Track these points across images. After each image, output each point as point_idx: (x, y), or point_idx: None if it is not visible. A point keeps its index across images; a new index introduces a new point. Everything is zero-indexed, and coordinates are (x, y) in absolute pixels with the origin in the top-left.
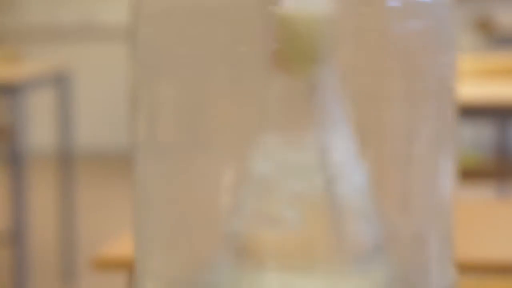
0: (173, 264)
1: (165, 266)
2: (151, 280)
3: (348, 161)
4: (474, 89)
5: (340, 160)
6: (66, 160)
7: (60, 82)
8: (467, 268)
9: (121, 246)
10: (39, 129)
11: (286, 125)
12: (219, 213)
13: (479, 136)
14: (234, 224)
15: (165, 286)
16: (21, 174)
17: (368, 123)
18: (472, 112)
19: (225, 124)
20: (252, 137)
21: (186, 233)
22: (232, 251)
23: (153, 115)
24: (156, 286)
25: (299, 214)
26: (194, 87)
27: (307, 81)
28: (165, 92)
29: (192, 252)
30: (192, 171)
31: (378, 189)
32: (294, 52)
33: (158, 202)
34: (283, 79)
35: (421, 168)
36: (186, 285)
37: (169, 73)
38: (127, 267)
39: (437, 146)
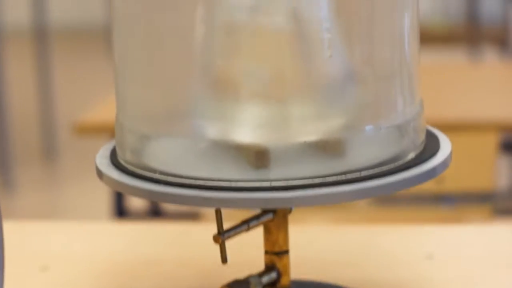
0: (151, 98)
1: (144, 101)
2: (131, 115)
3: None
4: None
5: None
6: (42, 36)
7: None
8: (440, 127)
9: (100, 112)
10: (13, 5)
11: None
12: (193, 44)
13: (449, 3)
14: (207, 56)
15: (144, 120)
16: None
17: None
18: None
19: None
20: None
21: (161, 66)
22: (207, 82)
23: None
24: (135, 120)
25: (268, 45)
26: None
27: None
28: None
29: (169, 85)
30: (165, 4)
31: (342, 19)
32: None
33: (134, 39)
34: None
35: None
36: (163, 117)
37: None
38: (108, 131)
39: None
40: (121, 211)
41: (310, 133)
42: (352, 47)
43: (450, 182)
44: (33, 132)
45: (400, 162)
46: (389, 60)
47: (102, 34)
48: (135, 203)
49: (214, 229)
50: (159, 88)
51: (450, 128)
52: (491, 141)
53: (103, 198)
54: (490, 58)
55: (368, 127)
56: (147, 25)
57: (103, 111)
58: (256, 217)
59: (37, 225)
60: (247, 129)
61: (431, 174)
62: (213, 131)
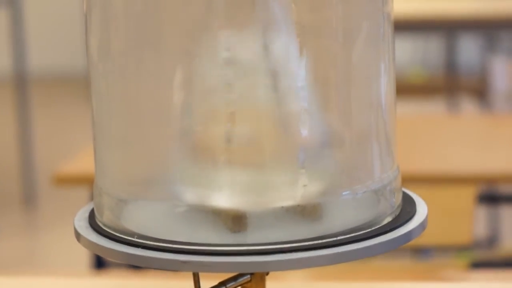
0: (129, 162)
1: (122, 165)
2: (109, 179)
3: (290, 59)
4: (421, 3)
5: (282, 57)
6: (22, 83)
7: (12, 3)
8: (418, 180)
9: (80, 162)
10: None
11: (230, 23)
12: (171, 111)
13: (428, 52)
14: (186, 122)
15: (122, 184)
16: None
17: (308, 23)
18: (420, 27)
19: (172, 24)
20: (199, 36)
21: (140, 131)
22: (184, 148)
23: (104, 21)
24: (113, 184)
25: (246, 112)
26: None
27: None
28: (115, 1)
29: (147, 150)
30: (144, 72)
31: (319, 87)
32: None
33: (112, 104)
34: None
35: (359, 66)
36: (141, 181)
37: None
38: (87, 182)
39: (374, 46)
40: (100, 261)
41: (288, 198)
42: (329, 115)
43: (428, 235)
44: (13, 179)
45: (376, 226)
46: (366, 126)
47: (83, 81)
48: None
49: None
50: (136, 153)
51: (427, 180)
52: (469, 194)
53: (81, 245)
54: (468, 109)
55: (345, 193)
56: (124, 90)
57: (82, 161)
58: (234, 278)
59: (12, 281)
60: (224, 194)
61: (407, 238)
62: (191, 195)
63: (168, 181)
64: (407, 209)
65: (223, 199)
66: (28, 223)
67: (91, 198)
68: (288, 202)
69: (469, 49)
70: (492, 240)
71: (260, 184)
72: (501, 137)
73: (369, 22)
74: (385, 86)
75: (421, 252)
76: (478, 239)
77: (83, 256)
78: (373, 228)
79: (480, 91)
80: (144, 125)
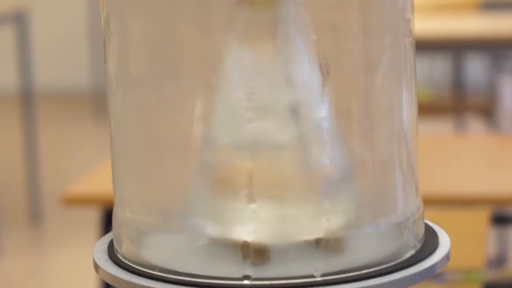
0: (149, 194)
1: (141, 196)
2: (128, 210)
3: (312, 91)
4: (428, 23)
5: (305, 89)
6: (28, 99)
7: (19, 19)
8: (427, 202)
9: (89, 183)
10: (0, 68)
11: (252, 55)
12: (192, 142)
13: (435, 72)
14: (207, 154)
15: (142, 215)
16: None
17: (330, 54)
18: (426, 46)
19: (193, 54)
20: (220, 68)
21: (160, 163)
22: (205, 181)
23: (123, 49)
24: (133, 216)
25: (268, 145)
26: (162, 19)
27: (270, 13)
28: (134, 26)
29: (167, 182)
30: (164, 101)
31: (342, 118)
32: None
33: (132, 134)
34: (248, 11)
35: (382, 96)
36: (161, 214)
37: (137, 6)
38: (96, 203)
39: (396, 76)
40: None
41: (310, 232)
42: (352, 147)
43: None
44: (20, 196)
45: (400, 259)
46: (390, 157)
47: (89, 97)
48: None
49: None
50: (156, 185)
51: (438, 202)
52: (481, 216)
53: (87, 264)
54: (476, 128)
55: (368, 226)
56: (144, 120)
57: (91, 181)
58: None
59: None
60: (246, 228)
61: (431, 271)
62: (212, 229)
63: (188, 214)
64: (429, 240)
65: (245, 233)
66: (34, 241)
67: (98, 217)
68: (311, 236)
69: (476, 68)
70: (501, 261)
71: (282, 217)
72: (510, 158)
73: (391, 52)
74: (408, 115)
75: (434, 275)
76: (487, 259)
77: (88, 274)
78: (396, 262)
79: (487, 110)
80: (165, 157)
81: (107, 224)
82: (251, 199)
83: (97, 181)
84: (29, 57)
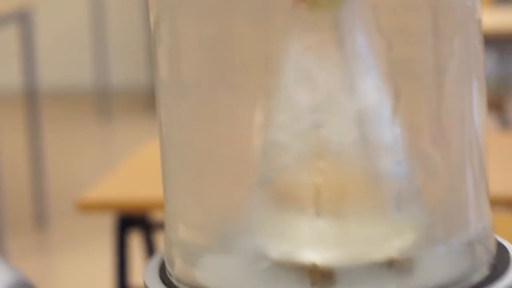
0: (204, 212)
1: (196, 215)
2: (181, 230)
3: (379, 99)
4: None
5: (371, 97)
6: (32, 99)
7: (23, 19)
8: None
9: (104, 189)
10: (4, 68)
11: (313, 61)
12: (251, 156)
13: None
14: (267, 169)
15: (196, 236)
16: None
17: (398, 59)
18: None
19: (251, 58)
20: (280, 73)
21: (216, 177)
22: (265, 196)
23: (174, 52)
24: (187, 236)
25: (335, 159)
26: (216, 22)
27: (332, 15)
28: (186, 28)
29: (224, 198)
30: (220, 109)
31: (412, 126)
32: None
33: (185, 146)
34: (308, 12)
35: (453, 102)
36: (217, 233)
37: (190, 7)
38: (111, 209)
39: (467, 79)
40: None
41: (379, 252)
42: (423, 157)
43: None
44: (25, 199)
45: (472, 279)
46: (462, 167)
47: (92, 96)
48: (139, 280)
49: None
50: (212, 202)
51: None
52: None
53: (93, 268)
54: (488, 125)
55: (440, 244)
56: (200, 132)
57: (105, 187)
58: None
59: None
60: (312, 249)
61: None
62: (274, 249)
63: (247, 232)
64: (502, 258)
65: (311, 254)
66: (40, 244)
67: (108, 222)
68: (380, 256)
69: (489, 63)
70: None
71: (350, 237)
72: None
73: (462, 55)
74: (479, 120)
75: None
76: None
77: (94, 278)
78: (469, 281)
79: (499, 106)
80: (221, 170)
81: (122, 230)
82: (316, 217)
83: (111, 186)
84: (33, 56)
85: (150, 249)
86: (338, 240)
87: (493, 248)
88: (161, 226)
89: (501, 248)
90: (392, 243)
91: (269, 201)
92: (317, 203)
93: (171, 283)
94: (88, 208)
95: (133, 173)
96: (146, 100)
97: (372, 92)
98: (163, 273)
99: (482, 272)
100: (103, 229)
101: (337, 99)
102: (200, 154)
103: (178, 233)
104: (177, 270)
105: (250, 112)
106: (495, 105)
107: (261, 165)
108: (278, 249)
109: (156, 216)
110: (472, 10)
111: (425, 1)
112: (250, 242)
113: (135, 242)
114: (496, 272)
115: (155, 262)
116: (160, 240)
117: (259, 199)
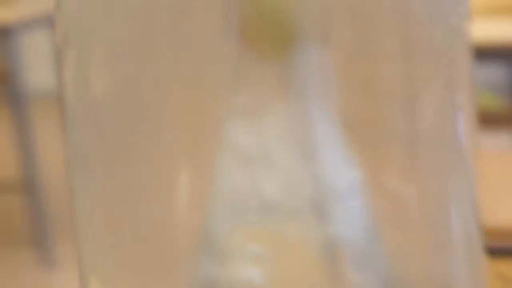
0: None
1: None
2: None
3: (341, 172)
4: (486, 27)
5: (330, 170)
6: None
7: (53, 23)
8: (493, 235)
9: None
10: (37, 71)
11: (256, 119)
12: (180, 246)
13: (491, 80)
14: (202, 262)
15: None
16: (24, 116)
17: (359, 115)
18: (484, 53)
19: (178, 118)
20: (215, 133)
21: (134, 275)
22: None
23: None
24: None
25: (283, 252)
26: (141, 78)
27: (283, 66)
28: (101, 82)
29: None
30: (138, 185)
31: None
32: (266, 26)
33: (97, 228)
34: (253, 62)
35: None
36: None
37: (102, 60)
38: None
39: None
40: None
41: None
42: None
43: None
44: (65, 200)
45: None
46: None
47: None
48: None
49: None
50: None
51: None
52: None
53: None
54: None
55: None
56: (112, 212)
57: None
58: None
59: None
60: None
61: None
62: None
63: None
64: None
65: None
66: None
67: None
68: None
69: None
70: None
71: None
72: None
73: (438, 87)
74: (462, 223)
75: None
76: None
77: None
78: None
79: None
80: (138, 267)
81: None
82: None
83: None
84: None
85: None
86: None
87: None
88: None
89: None
90: None
91: None
92: None
93: None
94: None
95: None
96: None
97: (331, 158)
98: None
99: None
100: None
101: (285, 179)
102: (112, 242)
103: None
104: None
105: (175, 190)
106: (508, 121)
107: (193, 258)
108: None
109: None
110: (458, 28)
111: (393, 44)
112: None
113: None
114: None
115: None
116: None
117: None
